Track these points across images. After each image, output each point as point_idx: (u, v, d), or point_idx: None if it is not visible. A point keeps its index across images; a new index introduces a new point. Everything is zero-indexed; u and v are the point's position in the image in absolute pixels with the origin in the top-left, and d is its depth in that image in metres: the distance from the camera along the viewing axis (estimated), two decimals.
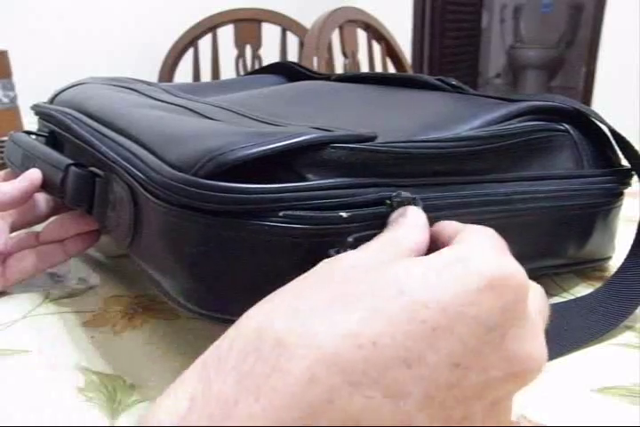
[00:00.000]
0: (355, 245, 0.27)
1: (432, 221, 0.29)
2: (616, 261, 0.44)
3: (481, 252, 0.20)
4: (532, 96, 0.38)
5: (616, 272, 0.38)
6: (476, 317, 0.19)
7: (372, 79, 0.47)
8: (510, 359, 0.19)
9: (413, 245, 0.24)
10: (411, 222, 0.25)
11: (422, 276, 0.19)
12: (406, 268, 0.20)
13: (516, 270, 0.20)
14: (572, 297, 0.40)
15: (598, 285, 0.41)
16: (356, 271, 0.20)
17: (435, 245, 0.25)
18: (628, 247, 0.38)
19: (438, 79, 0.44)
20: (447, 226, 0.26)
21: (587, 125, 0.38)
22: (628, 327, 0.36)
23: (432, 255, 0.21)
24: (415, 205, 0.28)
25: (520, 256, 0.22)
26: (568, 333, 0.34)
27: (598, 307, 0.36)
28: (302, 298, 0.19)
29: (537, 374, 0.20)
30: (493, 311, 0.19)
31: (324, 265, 0.22)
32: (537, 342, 0.20)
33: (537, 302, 0.22)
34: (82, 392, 0.29)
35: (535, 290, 0.23)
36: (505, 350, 0.19)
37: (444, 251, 0.21)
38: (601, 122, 0.38)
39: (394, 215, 0.27)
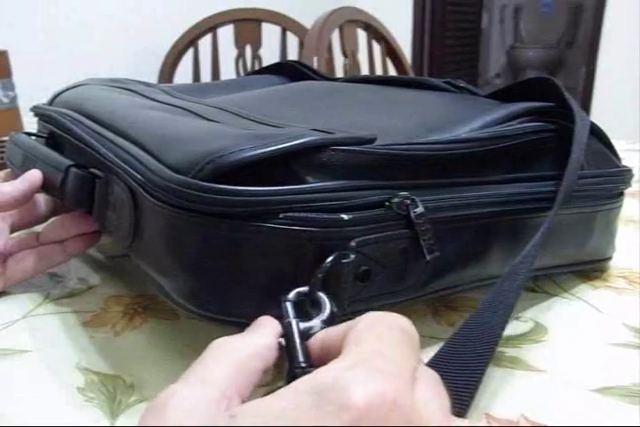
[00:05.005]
0: (357, 250, 0.26)
1: (433, 222, 0.29)
2: (616, 261, 0.44)
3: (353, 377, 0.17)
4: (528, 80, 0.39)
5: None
6: None
7: (378, 82, 0.47)
8: None
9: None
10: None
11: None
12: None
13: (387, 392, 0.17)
14: (573, 297, 0.40)
15: (598, 285, 0.41)
16: None
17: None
18: (629, 247, 0.38)
19: (446, 82, 0.44)
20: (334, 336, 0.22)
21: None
22: (627, 327, 0.36)
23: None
24: (414, 206, 0.28)
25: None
26: None
27: None
28: None
29: None
30: None
31: None
32: None
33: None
34: (82, 392, 0.29)
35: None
36: None
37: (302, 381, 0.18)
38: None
39: None
